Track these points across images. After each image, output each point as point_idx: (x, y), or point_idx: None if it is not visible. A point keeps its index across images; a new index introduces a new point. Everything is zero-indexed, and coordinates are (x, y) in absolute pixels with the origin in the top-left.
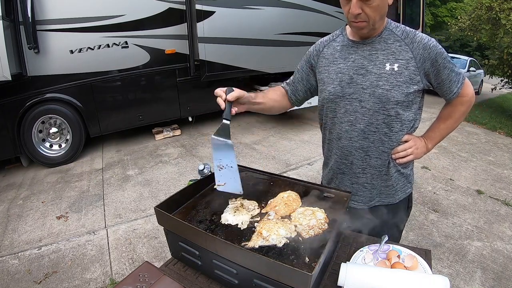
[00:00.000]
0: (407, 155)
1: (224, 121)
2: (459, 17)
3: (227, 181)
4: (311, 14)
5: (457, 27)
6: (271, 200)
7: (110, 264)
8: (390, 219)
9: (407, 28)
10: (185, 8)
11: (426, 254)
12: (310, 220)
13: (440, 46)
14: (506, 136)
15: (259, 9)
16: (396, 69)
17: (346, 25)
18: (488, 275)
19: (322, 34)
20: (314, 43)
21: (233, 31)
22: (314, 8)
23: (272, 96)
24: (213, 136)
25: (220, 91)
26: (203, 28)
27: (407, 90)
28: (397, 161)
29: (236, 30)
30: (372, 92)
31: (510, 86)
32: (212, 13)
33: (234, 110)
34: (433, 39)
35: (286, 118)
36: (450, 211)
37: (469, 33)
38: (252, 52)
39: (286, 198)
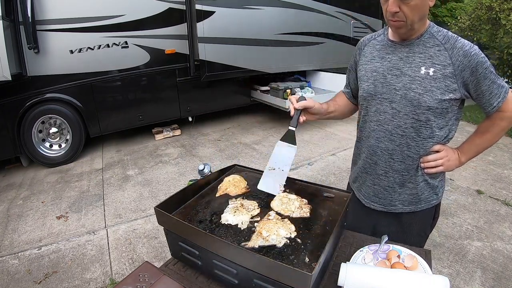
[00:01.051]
0: (437, 166)
1: (290, 127)
2: (459, 17)
3: (270, 182)
4: (311, 14)
5: (457, 27)
6: (220, 185)
7: (110, 264)
8: (409, 226)
9: (450, 33)
10: (185, 8)
11: (426, 254)
12: (294, 203)
13: (483, 55)
14: (506, 136)
15: (259, 9)
16: (431, 73)
17: None
18: (488, 275)
19: (322, 34)
20: (313, 43)
21: (233, 31)
22: (314, 8)
23: (341, 102)
24: (279, 141)
25: (292, 98)
26: (203, 28)
27: (442, 97)
28: (426, 170)
29: (236, 30)
30: (404, 95)
31: (510, 86)
32: (212, 13)
33: (302, 118)
34: (475, 47)
35: (286, 118)
36: (450, 211)
37: (469, 33)
38: (252, 52)
39: (233, 181)
